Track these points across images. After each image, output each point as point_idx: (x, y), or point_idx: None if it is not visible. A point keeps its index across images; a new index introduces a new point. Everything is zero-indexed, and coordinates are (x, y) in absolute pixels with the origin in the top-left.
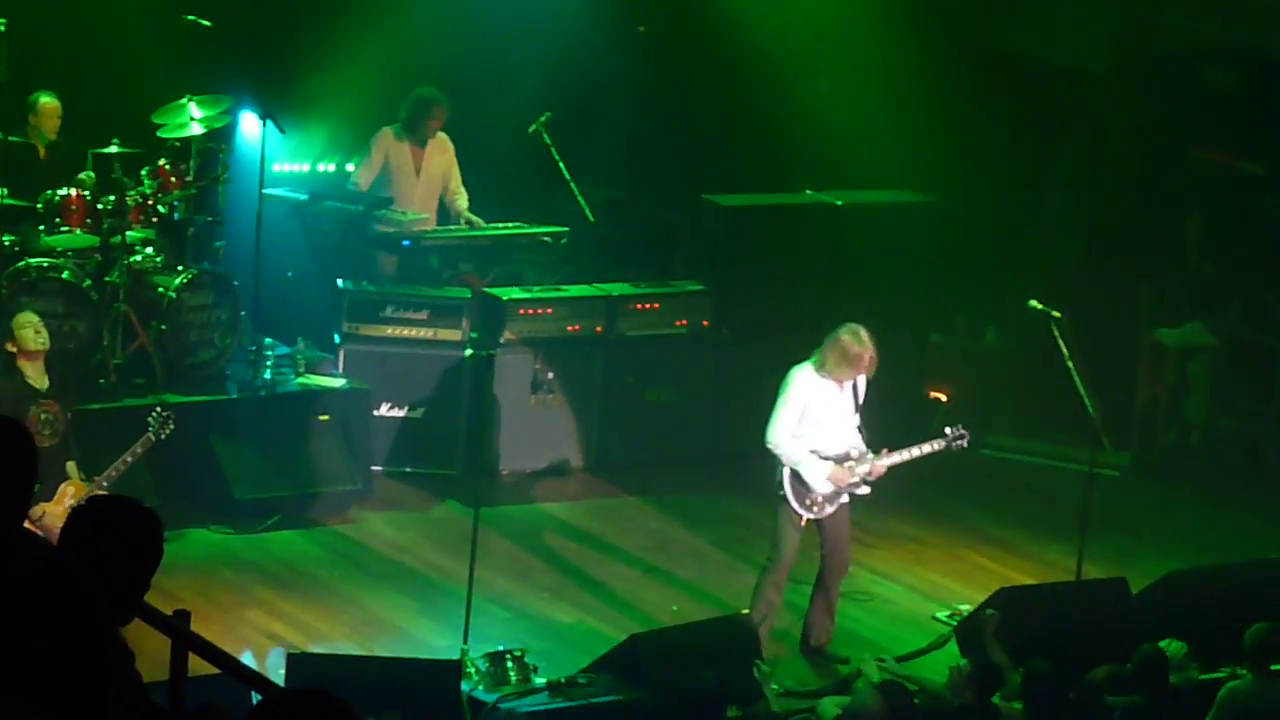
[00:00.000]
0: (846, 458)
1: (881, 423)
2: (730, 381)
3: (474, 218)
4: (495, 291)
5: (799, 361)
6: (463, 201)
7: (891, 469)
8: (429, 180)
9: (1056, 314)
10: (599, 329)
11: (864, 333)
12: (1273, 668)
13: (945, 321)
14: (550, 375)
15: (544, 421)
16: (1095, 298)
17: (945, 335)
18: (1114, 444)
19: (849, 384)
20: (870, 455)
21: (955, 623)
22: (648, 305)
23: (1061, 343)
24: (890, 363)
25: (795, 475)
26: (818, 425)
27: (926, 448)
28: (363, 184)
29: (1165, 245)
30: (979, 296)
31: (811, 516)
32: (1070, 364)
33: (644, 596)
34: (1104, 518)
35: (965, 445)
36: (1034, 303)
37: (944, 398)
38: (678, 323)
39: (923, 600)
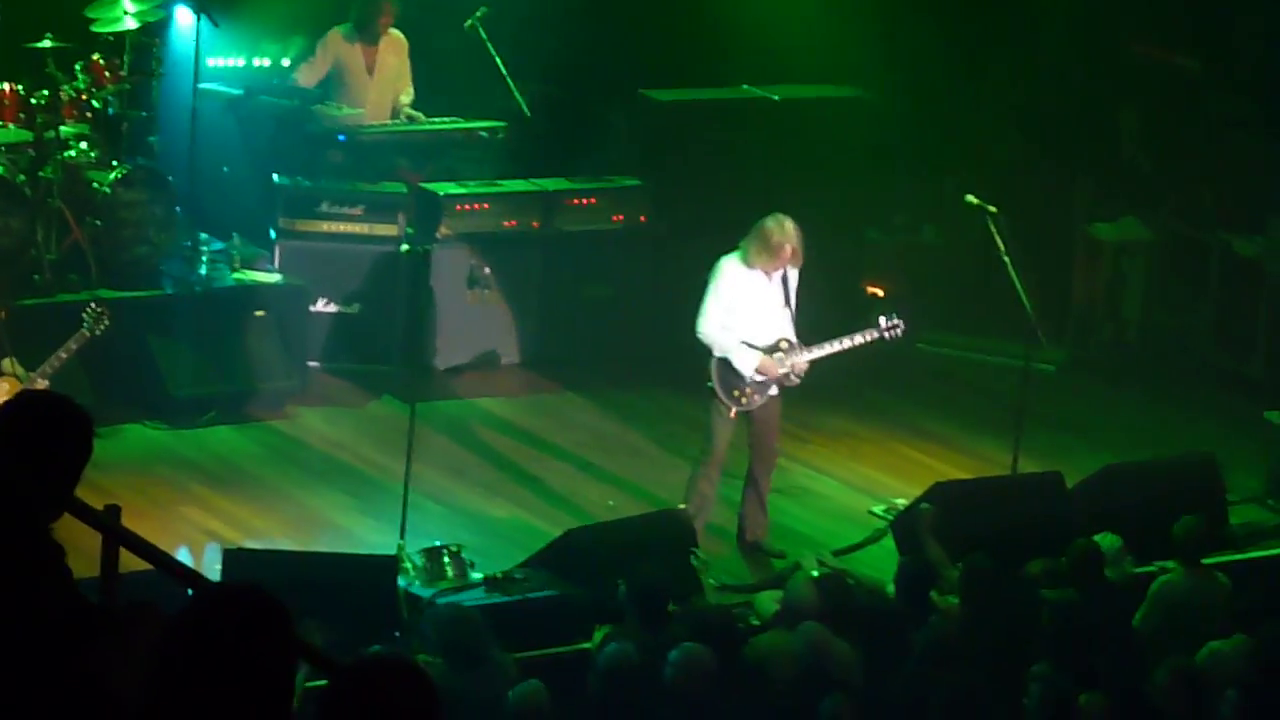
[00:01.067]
0: (776, 349)
1: (818, 319)
2: (668, 277)
3: (414, 113)
4: (431, 187)
5: (728, 253)
6: (406, 97)
7: (825, 361)
8: (383, 80)
9: (993, 209)
10: (536, 224)
11: (788, 224)
12: (1204, 561)
13: (883, 218)
14: (487, 271)
15: (481, 317)
16: (1031, 193)
17: (883, 232)
18: (1050, 339)
19: (778, 276)
20: (801, 347)
21: (891, 517)
22: (585, 200)
23: (998, 238)
24: (827, 259)
25: (725, 366)
26: (747, 317)
27: (859, 338)
28: (306, 84)
29: (1101, 140)
30: (916, 193)
31: (740, 408)
32: (1007, 259)
33: (580, 492)
34: (1040, 413)
35: (899, 335)
36: (970, 198)
37: (880, 293)
38: (614, 218)
39: (858, 495)
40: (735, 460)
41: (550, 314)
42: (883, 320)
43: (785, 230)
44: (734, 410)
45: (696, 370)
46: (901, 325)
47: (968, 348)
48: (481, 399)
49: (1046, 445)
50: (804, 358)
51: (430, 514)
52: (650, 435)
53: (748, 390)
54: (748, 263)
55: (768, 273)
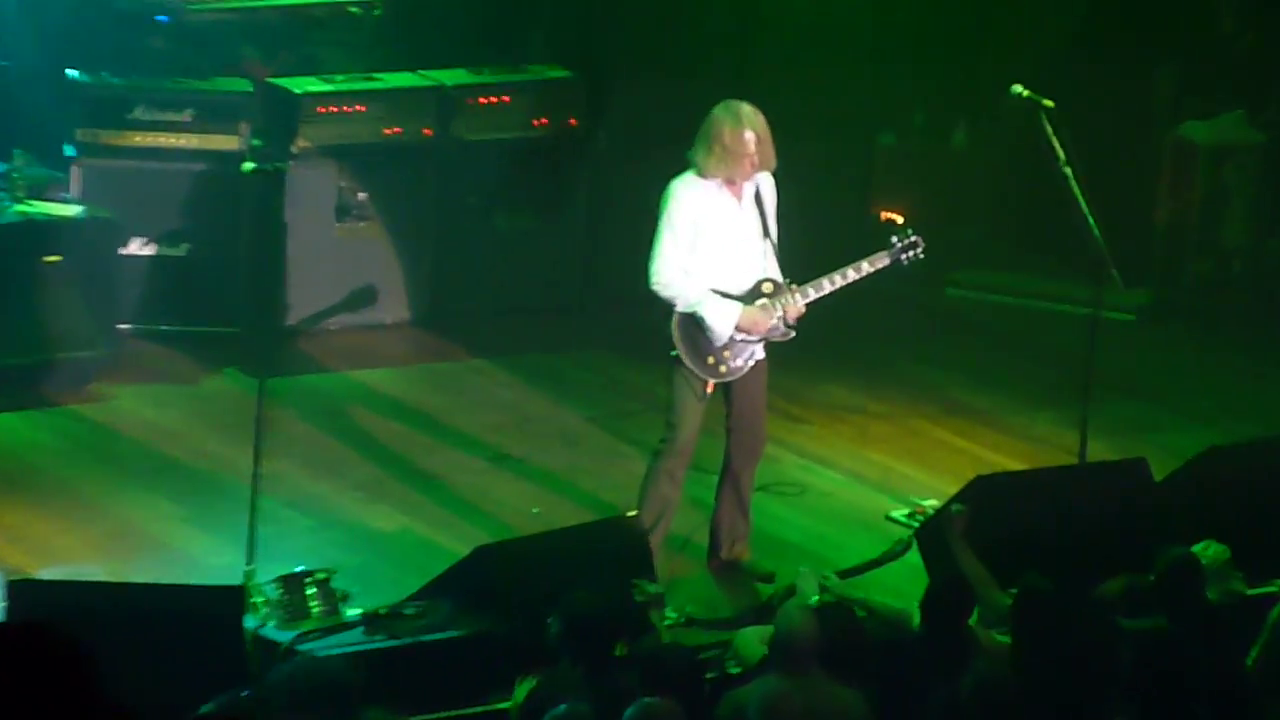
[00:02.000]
0: (758, 293)
1: (815, 255)
2: (608, 204)
3: None
4: (284, 82)
5: (680, 172)
6: None
7: (824, 305)
8: None
9: (1048, 103)
10: (428, 132)
11: (744, 109)
12: None
13: (898, 119)
14: (362, 196)
15: (355, 259)
16: (1099, 84)
17: (899, 137)
18: (1128, 277)
19: (749, 192)
20: (790, 286)
21: (916, 524)
22: (495, 99)
23: (1055, 142)
24: (827, 174)
25: (692, 324)
26: (716, 254)
27: (866, 266)
28: None
29: (1190, 12)
30: (942, 85)
31: (717, 379)
32: (1067, 170)
33: (494, 494)
34: (1115, 377)
35: (919, 256)
36: (1018, 88)
37: (899, 219)
38: (536, 122)
39: (871, 493)
40: (707, 449)
41: (450, 254)
42: (896, 240)
43: (741, 118)
44: (709, 383)
45: (652, 330)
46: (921, 245)
47: (1015, 291)
48: (358, 370)
49: (1124, 421)
50: (796, 301)
51: (290, 528)
52: (590, 416)
53: (725, 354)
54: (707, 177)
55: (734, 188)
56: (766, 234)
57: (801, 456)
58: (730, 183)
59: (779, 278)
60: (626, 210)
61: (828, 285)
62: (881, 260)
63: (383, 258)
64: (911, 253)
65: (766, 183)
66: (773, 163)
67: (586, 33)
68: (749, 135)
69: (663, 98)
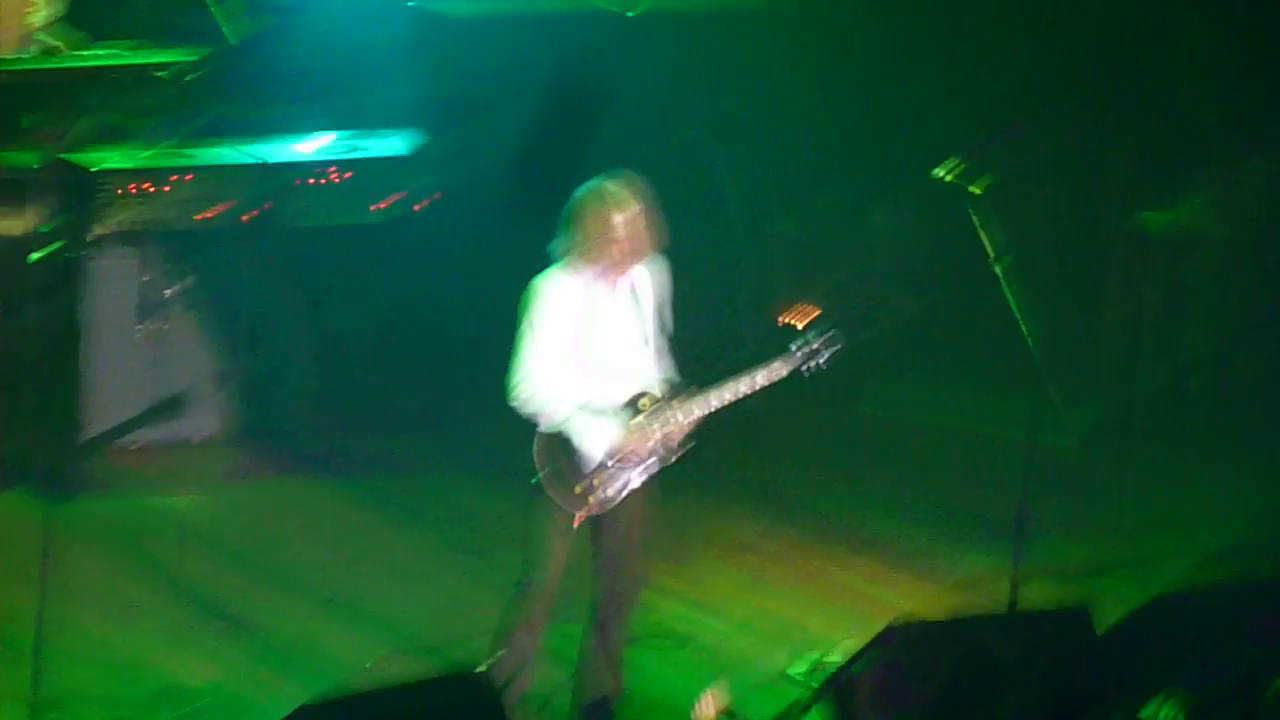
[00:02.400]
0: (636, 408)
1: (703, 363)
2: (465, 297)
3: (52, 40)
4: (80, 157)
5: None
6: (38, 15)
7: (709, 422)
8: None
9: (976, 189)
10: (249, 215)
11: (610, 186)
12: None
13: (801, 198)
14: (170, 291)
15: (161, 365)
16: (1041, 161)
17: (799, 221)
18: (1068, 395)
19: (628, 286)
20: (676, 399)
21: (818, 683)
22: (333, 175)
23: (984, 235)
24: (712, 267)
25: (557, 445)
26: (589, 362)
27: (762, 378)
28: None
29: (1149, 78)
30: (852, 157)
31: (584, 512)
32: (998, 268)
33: (321, 645)
34: (1053, 512)
35: (823, 365)
36: (942, 171)
37: (799, 322)
38: (375, 205)
39: (766, 647)
40: (572, 595)
41: (274, 356)
42: (795, 347)
43: (605, 197)
44: (576, 516)
45: (511, 450)
46: (825, 351)
47: (938, 409)
48: (162, 494)
49: (1065, 563)
50: (680, 419)
51: (77, 680)
52: (429, 549)
53: (595, 482)
54: (579, 269)
55: (610, 282)
56: (644, 338)
57: (684, 603)
58: (604, 276)
59: (662, 389)
60: (486, 306)
61: (716, 401)
62: (779, 370)
63: (193, 363)
64: (814, 361)
65: (649, 273)
66: (650, 249)
67: (441, 92)
68: (616, 219)
69: (530, 171)
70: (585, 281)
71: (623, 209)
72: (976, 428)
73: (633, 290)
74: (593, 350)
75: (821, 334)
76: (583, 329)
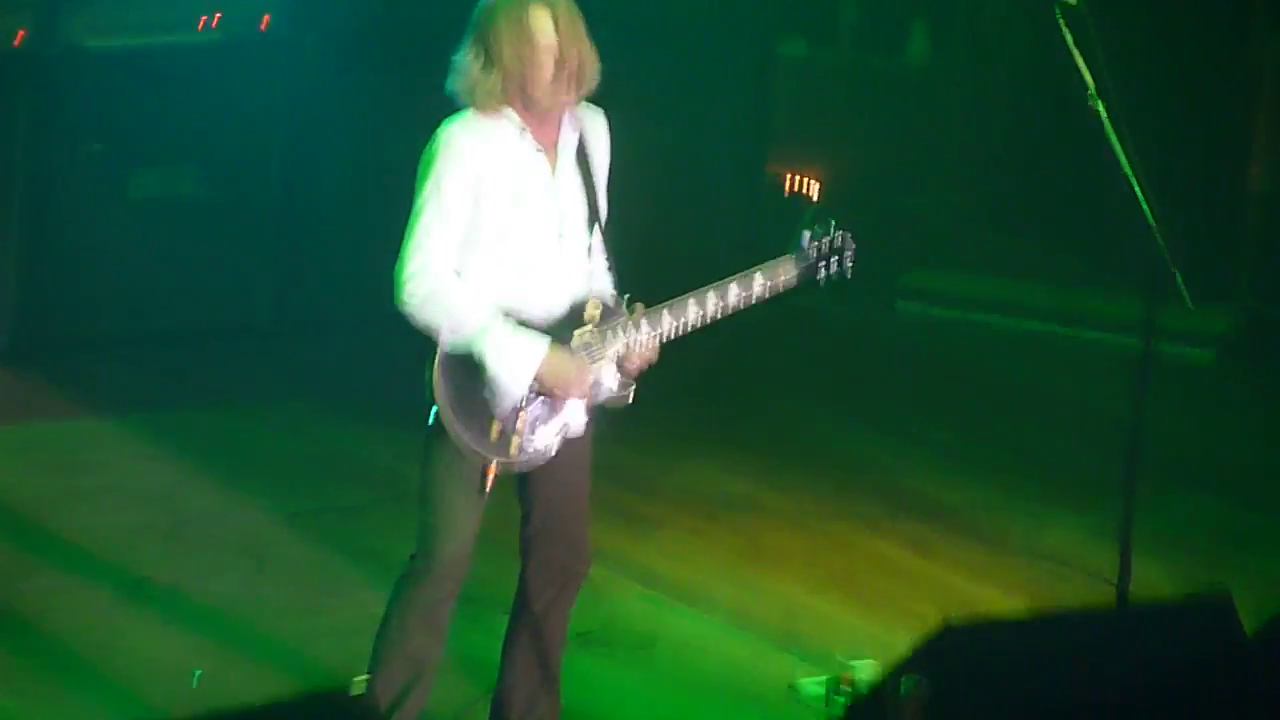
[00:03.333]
0: (577, 321)
1: (673, 249)
2: (319, 157)
3: None
4: None
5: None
6: None
7: (693, 341)
8: None
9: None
10: (22, 34)
11: (551, 7)
12: None
13: (813, 18)
14: None
15: None
16: None
17: (813, 45)
18: (1200, 291)
19: (568, 140)
20: (634, 309)
21: (843, 701)
22: None
23: (1079, 59)
24: (694, 108)
25: (465, 369)
26: (512, 246)
27: (760, 282)
28: None
29: None
30: None
31: (506, 462)
32: (1099, 105)
33: (126, 645)
34: (1177, 455)
35: (848, 266)
36: None
37: (815, 187)
38: (201, 21)
39: (765, 647)
40: (492, 572)
41: (54, 245)
42: (811, 237)
43: (549, 20)
44: (492, 467)
45: (395, 369)
46: (851, 248)
47: (1007, 306)
48: None
49: (1194, 530)
50: (642, 336)
51: None
52: (289, 514)
53: (518, 422)
54: (487, 113)
55: (542, 132)
56: (594, 213)
57: (649, 585)
58: (533, 121)
59: (610, 294)
60: (352, 167)
61: (695, 312)
62: (786, 271)
63: None
64: (837, 260)
65: (594, 123)
66: (593, 76)
67: None
68: (544, 22)
69: None
70: (511, 130)
71: (553, 7)
72: (1066, 332)
73: (580, 144)
74: (521, 232)
75: (840, 224)
76: (506, 200)
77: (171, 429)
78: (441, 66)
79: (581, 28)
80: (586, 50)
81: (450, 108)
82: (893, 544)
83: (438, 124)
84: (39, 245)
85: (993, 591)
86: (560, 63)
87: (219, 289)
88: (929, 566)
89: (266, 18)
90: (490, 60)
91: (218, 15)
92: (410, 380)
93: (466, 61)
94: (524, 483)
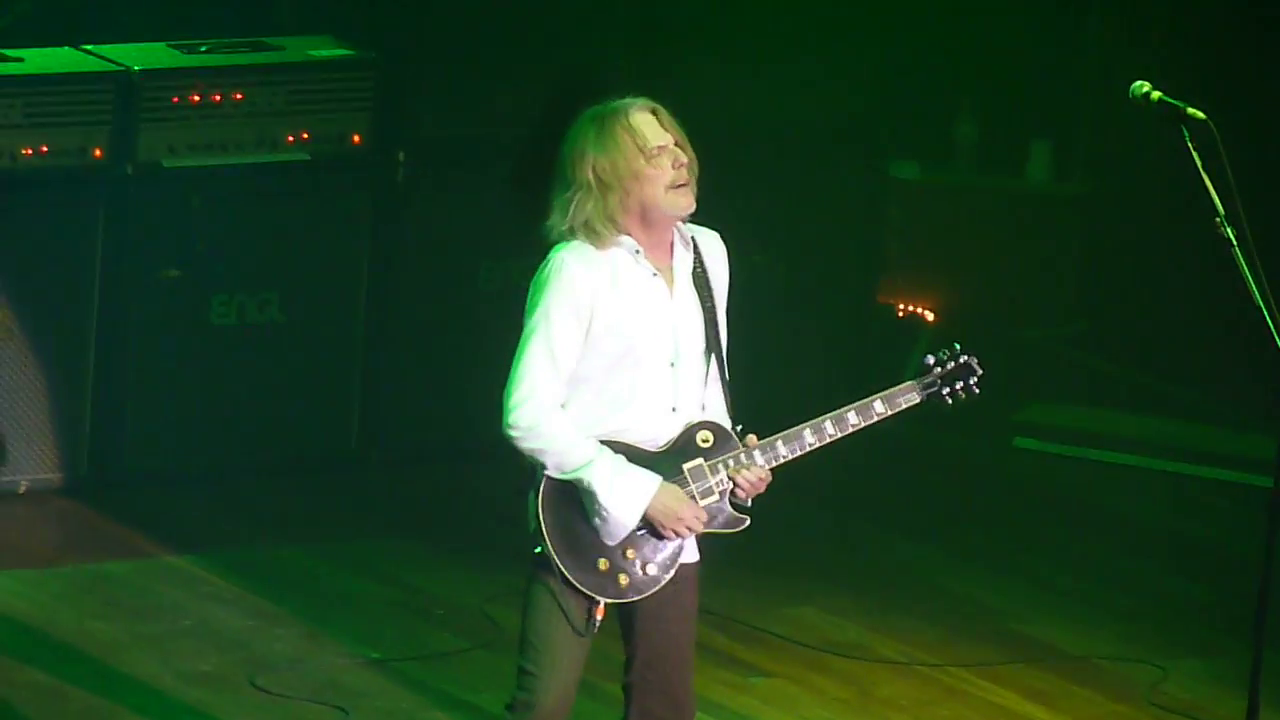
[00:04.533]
0: (690, 450)
1: (778, 376)
2: (416, 278)
3: None
4: None
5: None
6: None
7: (796, 466)
8: None
9: (1198, 114)
10: (99, 153)
11: (631, 99)
12: None
13: (927, 138)
14: None
15: None
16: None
17: (925, 163)
18: None
19: (682, 262)
20: (746, 439)
21: None
22: (217, 94)
23: (1208, 181)
24: (799, 233)
25: (570, 501)
26: (623, 374)
27: (880, 409)
28: None
29: None
30: (1001, 81)
31: (612, 600)
32: (1228, 231)
33: None
34: None
35: (975, 390)
36: (1144, 86)
37: (929, 315)
38: (290, 138)
39: None
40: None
41: (132, 370)
42: (933, 362)
43: (644, 110)
44: (599, 607)
45: (486, 505)
46: (978, 371)
47: (1132, 443)
48: None
49: None
50: (755, 464)
51: None
52: (377, 660)
53: (627, 556)
54: (601, 237)
55: (657, 254)
56: (712, 340)
57: None
58: (647, 242)
59: (726, 422)
60: (447, 289)
61: (811, 440)
62: (908, 398)
63: (16, 380)
64: (961, 385)
65: (711, 245)
66: (692, 203)
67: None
68: (647, 121)
69: (505, 101)
70: (626, 256)
71: (653, 108)
72: (1194, 470)
73: (696, 266)
74: (634, 359)
75: (964, 351)
76: (620, 327)
77: (251, 568)
78: (535, 188)
79: (687, 146)
80: (694, 167)
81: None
82: (1009, 693)
83: (534, 249)
84: (115, 373)
85: None
86: (677, 163)
87: (302, 420)
88: (1048, 717)
89: (357, 136)
90: (599, 185)
91: (304, 133)
92: (502, 517)
93: (570, 196)
94: (629, 627)
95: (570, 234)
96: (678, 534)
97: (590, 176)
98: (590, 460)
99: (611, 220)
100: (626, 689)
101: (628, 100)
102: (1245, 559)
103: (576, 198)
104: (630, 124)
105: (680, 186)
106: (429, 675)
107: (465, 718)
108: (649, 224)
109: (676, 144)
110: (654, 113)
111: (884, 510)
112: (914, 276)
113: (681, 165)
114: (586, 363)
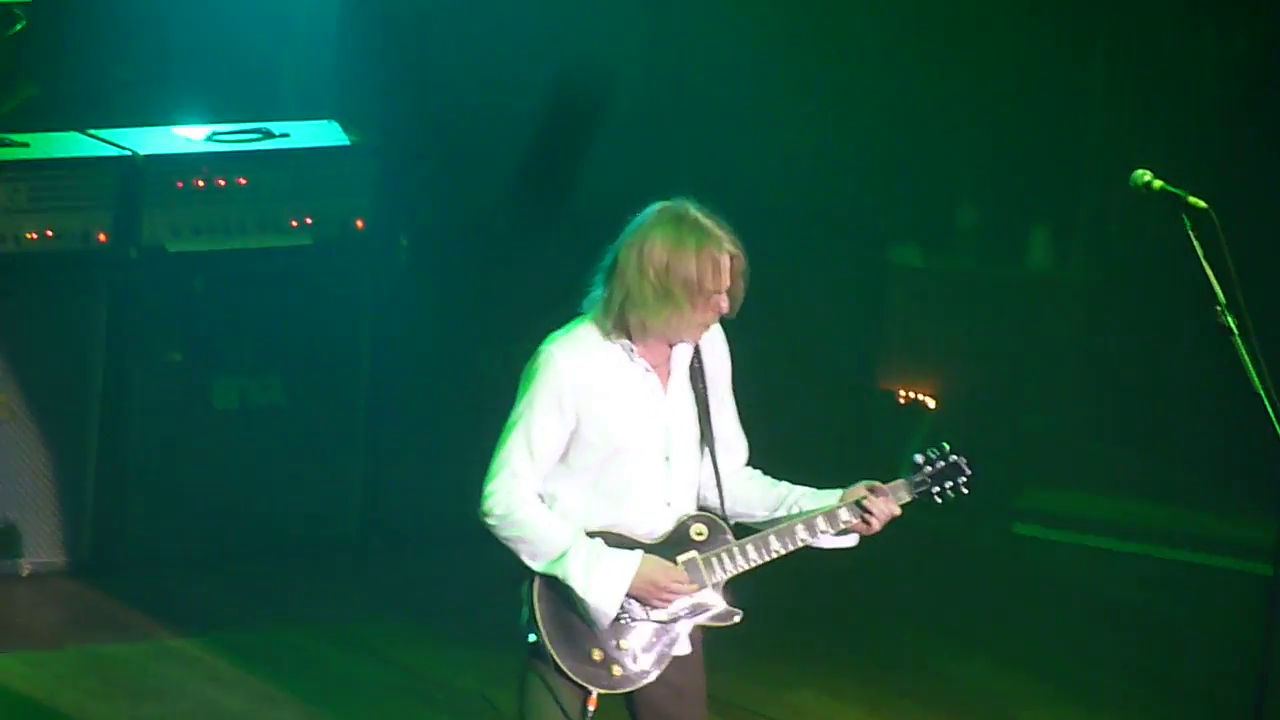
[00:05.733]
0: (683, 541)
1: (777, 464)
2: (417, 360)
3: None
4: None
5: (563, 324)
6: None
7: (791, 560)
8: None
9: (1198, 203)
10: (104, 237)
11: (706, 220)
12: None
13: (927, 224)
14: None
15: None
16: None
17: (926, 248)
18: None
19: (681, 360)
20: (739, 536)
21: None
22: (221, 178)
23: (1209, 270)
24: (801, 320)
25: (562, 589)
26: (616, 467)
27: (881, 507)
28: None
29: None
30: (1004, 168)
31: (606, 690)
32: (1229, 319)
33: None
34: None
35: (964, 489)
36: (1145, 175)
37: (930, 402)
38: (294, 222)
39: None
40: None
41: (134, 456)
42: (925, 460)
43: (709, 234)
44: (592, 699)
45: (486, 588)
46: (967, 474)
47: (1133, 530)
48: None
49: None
50: (753, 557)
51: None
52: None
53: (620, 645)
54: (613, 330)
55: (655, 355)
56: (705, 433)
57: None
58: (641, 344)
59: (719, 513)
60: (442, 377)
61: (803, 536)
62: (898, 495)
63: (19, 462)
64: (950, 485)
65: (709, 338)
66: (733, 306)
67: (380, 73)
68: (726, 262)
69: (515, 185)
70: (620, 353)
71: (735, 252)
72: (1195, 559)
73: (694, 365)
74: (625, 453)
75: (953, 449)
76: (611, 423)
77: (251, 650)
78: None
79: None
80: (739, 289)
81: (543, 319)
82: None
83: (532, 333)
84: (118, 456)
85: None
86: (717, 308)
87: (303, 503)
88: None
89: (360, 222)
90: (641, 280)
91: (307, 218)
92: (502, 601)
93: (618, 288)
94: (635, 715)
95: (586, 314)
96: (665, 604)
97: (648, 276)
98: (565, 551)
99: (641, 326)
100: None
101: (722, 233)
102: (1244, 645)
103: (626, 287)
104: (716, 257)
105: (705, 328)
106: None
107: None
108: (656, 340)
109: (736, 296)
110: (733, 259)
111: (884, 595)
112: (914, 362)
113: (720, 311)
114: (579, 456)
